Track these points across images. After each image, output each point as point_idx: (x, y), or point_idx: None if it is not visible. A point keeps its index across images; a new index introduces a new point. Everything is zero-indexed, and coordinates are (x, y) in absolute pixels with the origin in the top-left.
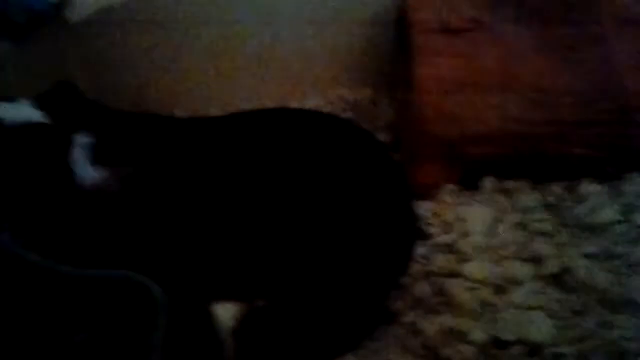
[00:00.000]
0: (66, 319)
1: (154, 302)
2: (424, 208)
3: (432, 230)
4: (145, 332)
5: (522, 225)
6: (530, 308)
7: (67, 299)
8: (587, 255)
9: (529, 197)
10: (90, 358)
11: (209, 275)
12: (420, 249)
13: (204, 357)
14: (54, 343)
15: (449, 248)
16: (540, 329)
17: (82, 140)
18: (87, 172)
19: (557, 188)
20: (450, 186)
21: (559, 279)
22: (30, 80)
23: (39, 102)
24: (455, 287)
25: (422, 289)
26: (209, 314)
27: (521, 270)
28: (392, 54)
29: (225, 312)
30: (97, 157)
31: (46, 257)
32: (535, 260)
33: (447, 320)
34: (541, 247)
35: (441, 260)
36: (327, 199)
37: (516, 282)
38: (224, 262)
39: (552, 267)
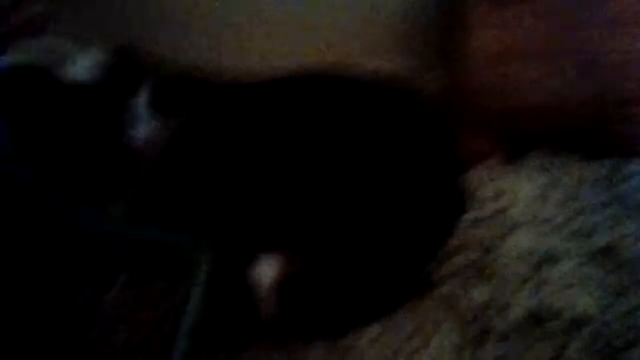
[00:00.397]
0: (95, 274)
1: (190, 263)
2: (470, 179)
3: (477, 201)
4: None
5: (568, 200)
6: (574, 283)
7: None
8: (633, 233)
9: (577, 173)
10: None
11: (254, 229)
12: (464, 220)
13: (243, 310)
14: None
15: (494, 220)
16: (583, 304)
17: (137, 95)
18: (140, 125)
19: (606, 165)
20: (499, 158)
21: (605, 255)
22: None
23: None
24: (498, 259)
25: (463, 259)
26: (251, 268)
27: (566, 244)
28: (439, 25)
29: (268, 267)
30: (151, 112)
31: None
32: (581, 235)
33: (486, 291)
34: (588, 222)
35: (484, 232)
36: (376, 163)
37: (561, 256)
38: (270, 217)
39: (598, 242)
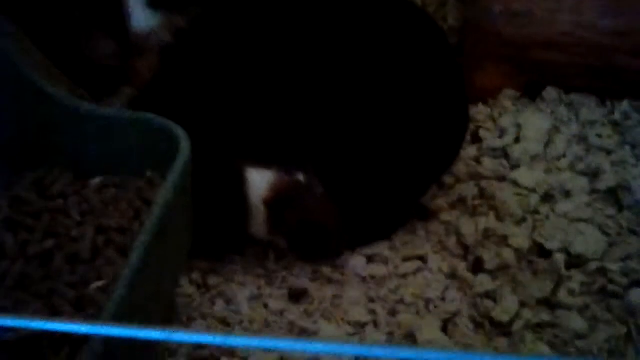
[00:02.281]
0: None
1: (177, 147)
2: (480, 112)
3: (486, 134)
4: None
5: (581, 139)
6: (579, 220)
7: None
8: None
9: (592, 112)
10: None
11: (250, 136)
12: (471, 151)
13: (230, 219)
14: None
15: (501, 153)
16: (587, 241)
17: None
18: (143, 17)
19: (623, 105)
20: (511, 92)
21: (614, 195)
22: None
23: None
24: (502, 191)
25: (466, 189)
26: (242, 176)
27: (574, 182)
28: None
29: (261, 178)
30: (155, 3)
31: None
32: (591, 174)
33: (488, 222)
34: (598, 161)
35: (490, 164)
36: (383, 82)
37: (567, 194)
38: (268, 125)
39: (607, 182)
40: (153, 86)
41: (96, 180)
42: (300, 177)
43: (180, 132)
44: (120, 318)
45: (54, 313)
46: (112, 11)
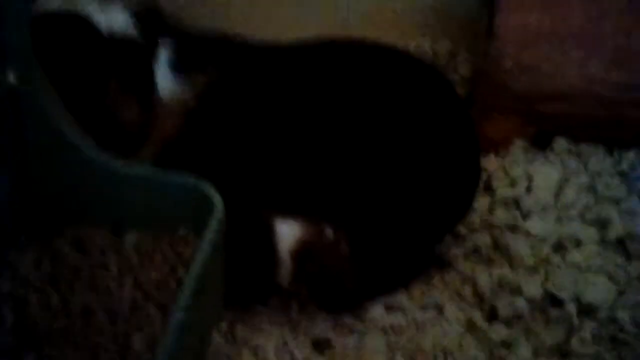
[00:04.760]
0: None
1: (211, 206)
2: (492, 162)
3: (498, 184)
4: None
5: (590, 189)
6: (589, 269)
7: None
8: None
9: (600, 162)
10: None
11: (278, 189)
12: (483, 201)
13: (257, 270)
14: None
15: (513, 203)
16: (598, 290)
17: (166, 48)
18: (168, 80)
19: (631, 155)
20: (521, 143)
21: (623, 245)
22: None
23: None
24: (514, 241)
25: (480, 239)
26: (270, 227)
27: (584, 231)
28: (475, 6)
29: (288, 230)
30: (177, 67)
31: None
32: (600, 223)
33: (502, 272)
34: (607, 211)
35: (503, 214)
36: (399, 137)
37: (577, 243)
38: (295, 179)
39: (616, 231)
40: (178, 144)
41: (132, 236)
42: (328, 230)
43: (212, 191)
44: None
45: None
46: (139, 73)
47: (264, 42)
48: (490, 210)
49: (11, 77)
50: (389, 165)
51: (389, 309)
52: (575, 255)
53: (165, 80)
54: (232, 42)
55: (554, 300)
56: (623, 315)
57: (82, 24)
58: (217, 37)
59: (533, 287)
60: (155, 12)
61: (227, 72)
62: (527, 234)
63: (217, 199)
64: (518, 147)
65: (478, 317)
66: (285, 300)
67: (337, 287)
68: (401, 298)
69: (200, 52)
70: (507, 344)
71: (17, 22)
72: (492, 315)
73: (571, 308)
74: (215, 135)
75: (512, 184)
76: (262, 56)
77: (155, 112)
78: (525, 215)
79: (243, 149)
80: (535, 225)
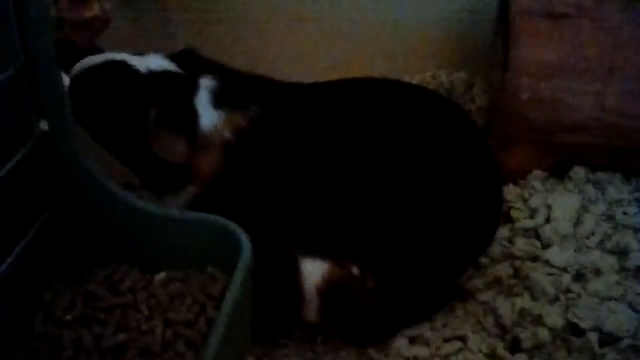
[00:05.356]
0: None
1: (239, 245)
2: (511, 192)
3: (517, 214)
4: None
5: (609, 217)
6: (610, 298)
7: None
8: None
9: (618, 190)
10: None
11: (306, 229)
12: (504, 231)
13: (284, 307)
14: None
15: (532, 233)
16: (618, 319)
17: (206, 85)
18: (209, 116)
19: None
20: (539, 172)
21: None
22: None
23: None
24: (535, 271)
25: (501, 270)
26: (297, 266)
27: (604, 260)
28: (491, 37)
29: (315, 268)
30: (218, 104)
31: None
32: (620, 252)
33: (523, 302)
34: (627, 239)
35: (523, 244)
36: (421, 172)
37: (598, 272)
38: (321, 218)
39: (635, 260)
40: (215, 185)
41: (161, 276)
42: (354, 269)
43: (240, 233)
44: None
45: None
46: (182, 109)
47: (295, 83)
48: (510, 240)
49: (44, 124)
50: (414, 202)
51: (413, 341)
52: (595, 285)
53: (206, 116)
54: (268, 81)
55: (576, 330)
56: None
57: (117, 65)
58: (255, 76)
59: (554, 317)
60: (192, 51)
61: (267, 110)
62: (548, 263)
63: (245, 239)
64: (536, 177)
65: (501, 348)
66: (311, 334)
67: (363, 322)
68: (424, 330)
69: (240, 90)
70: None
71: (49, 79)
72: (514, 346)
73: (593, 337)
74: (252, 173)
75: (532, 214)
76: (295, 96)
77: (197, 147)
78: (545, 245)
79: (276, 188)
80: (555, 255)
